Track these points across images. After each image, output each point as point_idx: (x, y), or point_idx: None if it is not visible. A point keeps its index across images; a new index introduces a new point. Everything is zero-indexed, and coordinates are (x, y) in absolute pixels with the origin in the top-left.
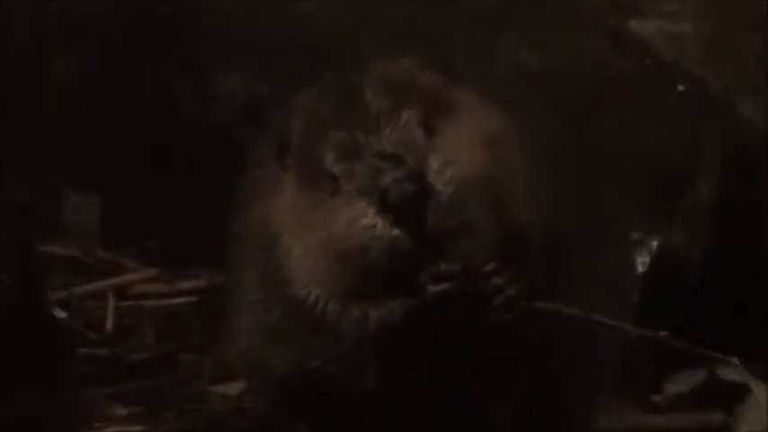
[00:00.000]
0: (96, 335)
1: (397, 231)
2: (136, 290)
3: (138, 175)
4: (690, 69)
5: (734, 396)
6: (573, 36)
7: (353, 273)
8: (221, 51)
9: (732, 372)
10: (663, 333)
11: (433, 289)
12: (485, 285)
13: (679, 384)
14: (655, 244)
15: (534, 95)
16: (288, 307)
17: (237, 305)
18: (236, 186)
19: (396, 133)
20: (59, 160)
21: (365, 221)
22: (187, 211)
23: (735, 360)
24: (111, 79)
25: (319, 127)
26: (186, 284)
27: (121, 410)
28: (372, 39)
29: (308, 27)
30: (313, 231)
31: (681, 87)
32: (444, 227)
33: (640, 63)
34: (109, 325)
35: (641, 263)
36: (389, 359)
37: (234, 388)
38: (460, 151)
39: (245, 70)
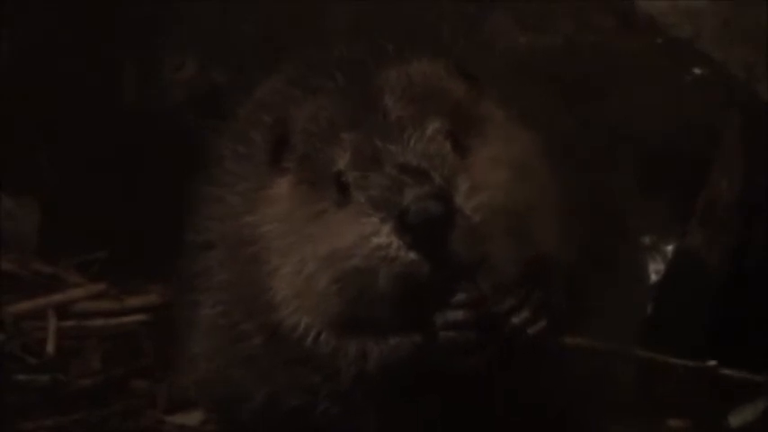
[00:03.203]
0: (35, 359)
1: (413, 255)
2: (80, 308)
3: (82, 176)
4: (707, 50)
5: None
6: (572, 13)
7: (353, 298)
8: (174, 33)
9: None
10: (711, 363)
11: (445, 335)
12: (503, 326)
13: (744, 415)
14: (669, 249)
15: (530, 84)
16: (271, 336)
17: (196, 326)
18: (195, 189)
19: (421, 145)
20: None
21: (377, 240)
22: (138, 217)
23: None
24: (46, 63)
25: (327, 126)
26: (136, 301)
27: None
28: (344, 18)
29: (273, 5)
30: (310, 245)
31: (697, 70)
32: (468, 257)
33: (650, 43)
34: (50, 348)
35: (654, 271)
36: (394, 401)
37: (192, 418)
38: (492, 176)
39: (201, 54)
